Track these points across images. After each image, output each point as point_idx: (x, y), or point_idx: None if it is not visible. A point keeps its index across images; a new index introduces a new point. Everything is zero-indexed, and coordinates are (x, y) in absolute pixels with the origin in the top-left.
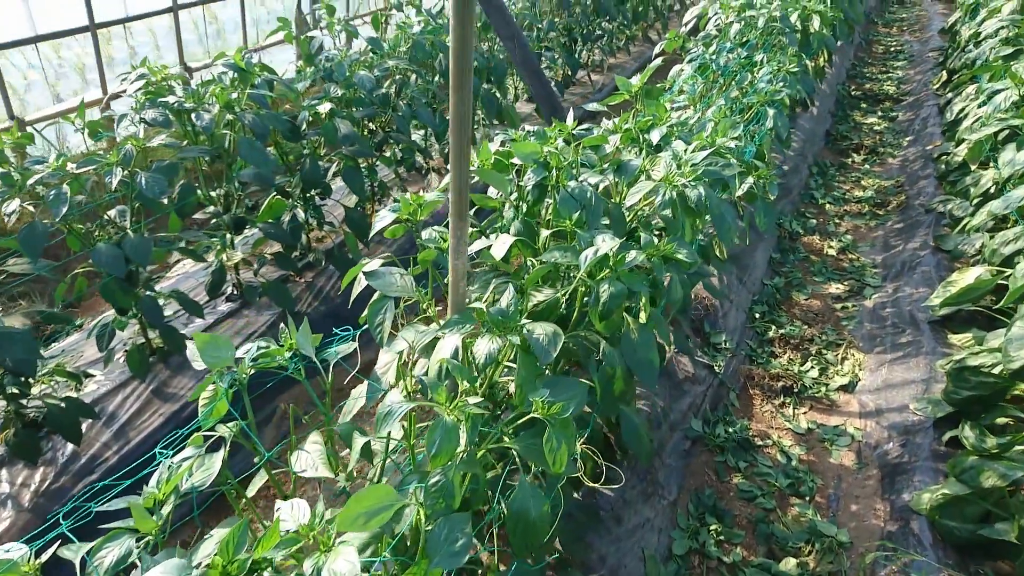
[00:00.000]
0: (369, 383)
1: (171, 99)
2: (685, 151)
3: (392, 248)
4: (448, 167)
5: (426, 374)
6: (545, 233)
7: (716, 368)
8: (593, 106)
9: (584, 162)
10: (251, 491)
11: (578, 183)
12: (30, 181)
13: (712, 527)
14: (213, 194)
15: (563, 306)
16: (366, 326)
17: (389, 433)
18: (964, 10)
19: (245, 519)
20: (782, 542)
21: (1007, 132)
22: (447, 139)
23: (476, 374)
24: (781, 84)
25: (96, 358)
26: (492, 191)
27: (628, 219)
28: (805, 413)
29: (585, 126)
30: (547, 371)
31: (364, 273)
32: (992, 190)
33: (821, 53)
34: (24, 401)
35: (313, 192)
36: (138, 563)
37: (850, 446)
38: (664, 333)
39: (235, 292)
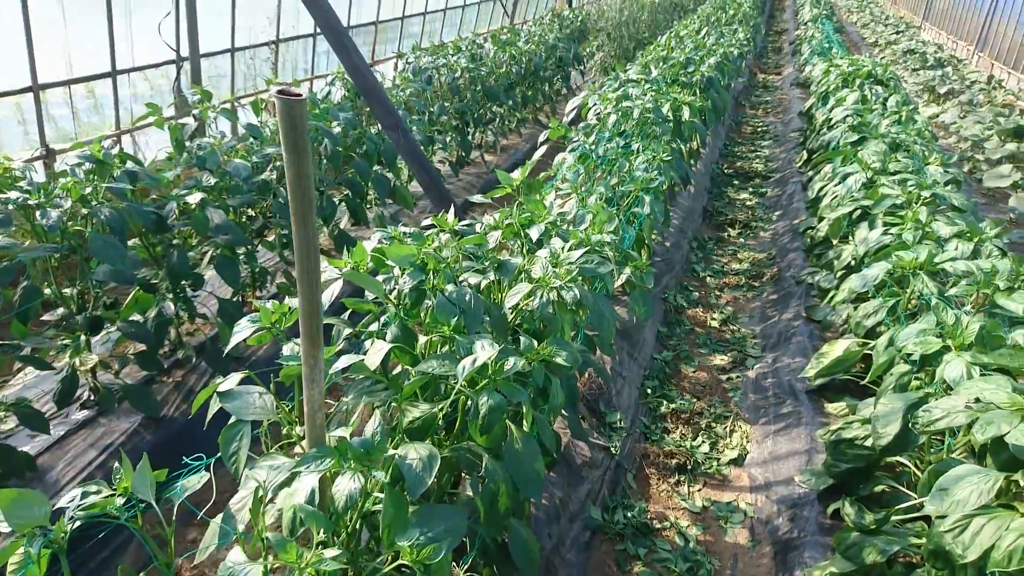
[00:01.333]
0: (221, 526)
1: (13, 194)
2: (563, 249)
3: (267, 347)
4: (335, 247)
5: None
6: (423, 339)
7: (612, 450)
8: (478, 198)
9: (469, 252)
10: None
11: (456, 286)
12: None
13: None
14: (67, 292)
15: (440, 421)
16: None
17: None
18: (817, 97)
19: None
20: None
21: (859, 211)
22: (335, 221)
23: (337, 517)
24: (656, 172)
25: None
26: (368, 294)
27: (510, 318)
28: (699, 490)
29: (467, 221)
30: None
31: (218, 394)
32: (852, 263)
33: (693, 137)
34: None
35: (183, 284)
36: None
37: (743, 523)
38: (550, 438)
39: (91, 398)
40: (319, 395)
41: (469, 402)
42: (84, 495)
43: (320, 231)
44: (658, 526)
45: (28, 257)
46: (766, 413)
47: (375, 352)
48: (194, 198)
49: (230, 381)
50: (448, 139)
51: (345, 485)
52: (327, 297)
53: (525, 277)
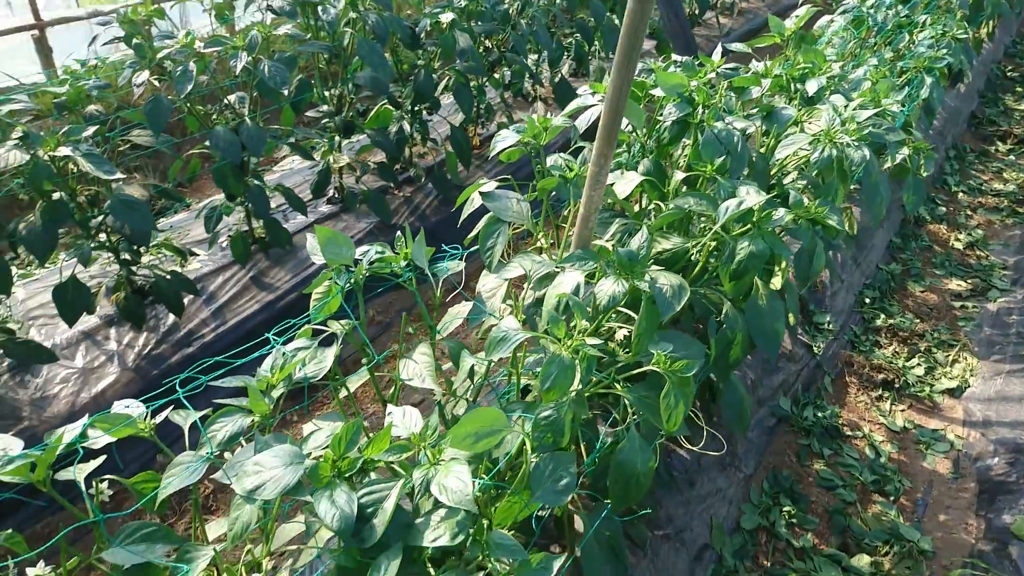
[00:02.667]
0: (475, 304)
1: None
2: (845, 107)
3: (490, 175)
4: (554, 97)
5: (533, 305)
6: (678, 176)
7: (815, 349)
8: (737, 46)
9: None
10: (352, 387)
11: (725, 125)
12: (159, 55)
13: (785, 508)
14: (327, 94)
15: (691, 258)
16: (472, 248)
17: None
18: None
19: (359, 419)
20: (858, 537)
21: None
22: (560, 67)
23: (597, 314)
24: (944, 51)
25: (200, 239)
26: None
27: (773, 172)
28: (903, 411)
29: (731, 65)
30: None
31: (480, 193)
32: None
33: (989, 22)
34: (134, 268)
35: (421, 106)
36: (243, 444)
37: (947, 453)
38: (794, 305)
39: (336, 196)
40: (599, 198)
41: (719, 251)
42: (378, 252)
43: (541, 75)
44: (848, 433)
45: (307, 50)
46: (1002, 351)
47: (626, 182)
48: (446, 17)
49: (491, 184)
50: None
51: (608, 287)
52: (583, 122)
53: (799, 130)
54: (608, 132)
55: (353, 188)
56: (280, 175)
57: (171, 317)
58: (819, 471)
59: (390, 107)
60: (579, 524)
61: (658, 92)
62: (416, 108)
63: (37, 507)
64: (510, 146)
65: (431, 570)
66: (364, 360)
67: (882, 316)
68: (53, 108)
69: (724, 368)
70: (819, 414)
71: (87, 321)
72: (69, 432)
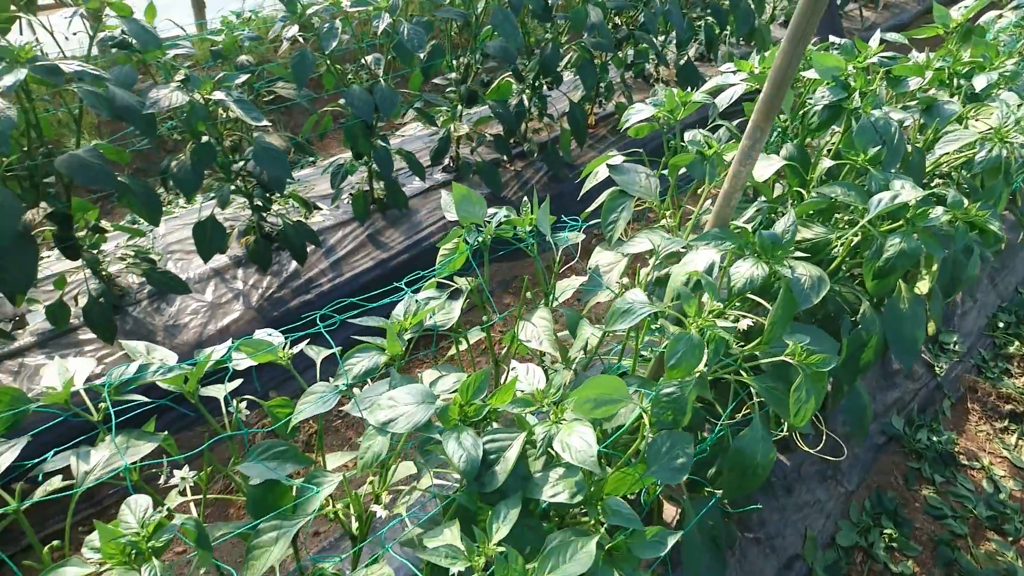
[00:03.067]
0: (592, 277)
1: None
2: (1019, 107)
3: (601, 154)
4: (677, 80)
5: (655, 283)
6: (825, 163)
7: (937, 369)
8: (892, 36)
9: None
10: (472, 340)
11: (882, 114)
12: (309, 11)
13: (887, 531)
14: (455, 62)
15: (830, 251)
16: (590, 222)
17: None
18: None
19: (488, 369)
20: (966, 573)
21: None
22: (686, 50)
23: (729, 296)
24: None
25: (323, 194)
26: None
27: (928, 168)
28: None
29: (889, 53)
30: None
31: (608, 165)
32: None
33: None
34: (265, 215)
35: (543, 80)
36: (369, 382)
37: None
38: (937, 313)
39: (451, 164)
40: (747, 174)
41: (864, 246)
42: (505, 215)
43: (667, 55)
44: (964, 463)
45: (442, 16)
46: None
47: (767, 164)
48: None
49: (618, 157)
50: None
51: (746, 270)
52: (725, 99)
53: (963, 127)
54: (768, 105)
55: (468, 158)
56: (401, 140)
57: (293, 265)
58: (927, 497)
59: (511, 79)
60: (668, 514)
61: (810, 74)
62: (537, 83)
63: (180, 416)
64: (644, 119)
65: (544, 524)
66: (485, 317)
67: (1016, 343)
68: (209, 55)
69: (852, 372)
70: (934, 438)
71: (218, 260)
72: (218, 351)
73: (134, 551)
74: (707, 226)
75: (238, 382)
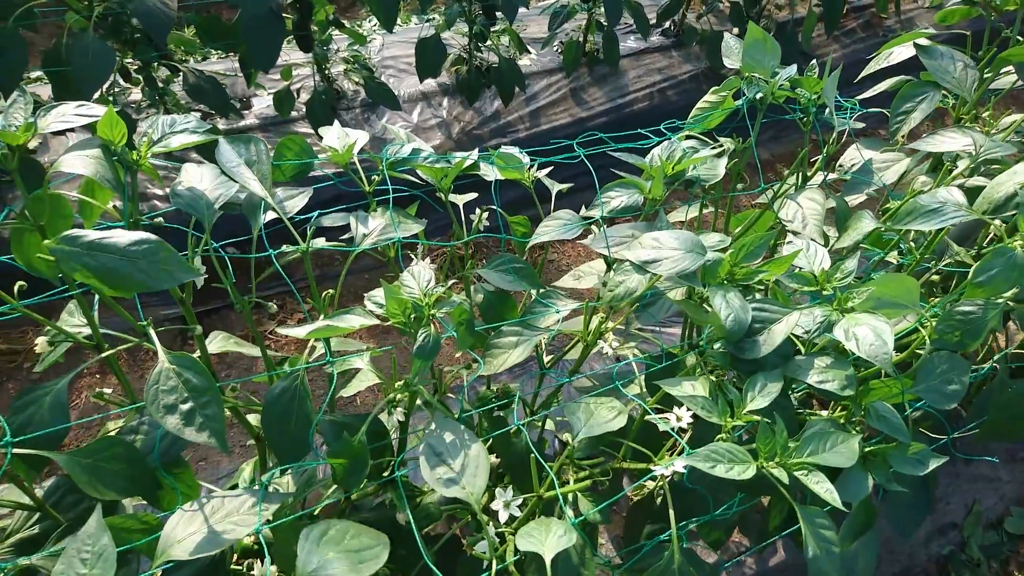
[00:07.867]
0: (864, 168)
1: None
2: None
3: (846, 51)
4: None
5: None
6: None
7: None
8: None
9: None
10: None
11: None
12: None
13: None
14: None
15: None
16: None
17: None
18: None
19: (771, 232)
20: None
21: None
22: None
23: None
24: None
25: (533, 37)
26: None
27: None
28: None
29: None
30: None
31: (916, 45)
32: None
33: None
34: (481, 45)
35: None
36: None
37: None
38: None
39: (671, 29)
40: None
41: None
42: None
43: None
44: None
45: None
46: None
47: None
48: None
49: (924, 40)
50: None
51: None
52: None
53: None
54: None
55: (693, 25)
56: None
57: (494, 104)
58: None
59: None
60: None
61: None
62: None
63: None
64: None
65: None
66: (740, 186)
67: None
68: None
69: None
70: None
71: (428, 84)
72: (470, 157)
73: (415, 314)
74: None
75: (474, 194)
